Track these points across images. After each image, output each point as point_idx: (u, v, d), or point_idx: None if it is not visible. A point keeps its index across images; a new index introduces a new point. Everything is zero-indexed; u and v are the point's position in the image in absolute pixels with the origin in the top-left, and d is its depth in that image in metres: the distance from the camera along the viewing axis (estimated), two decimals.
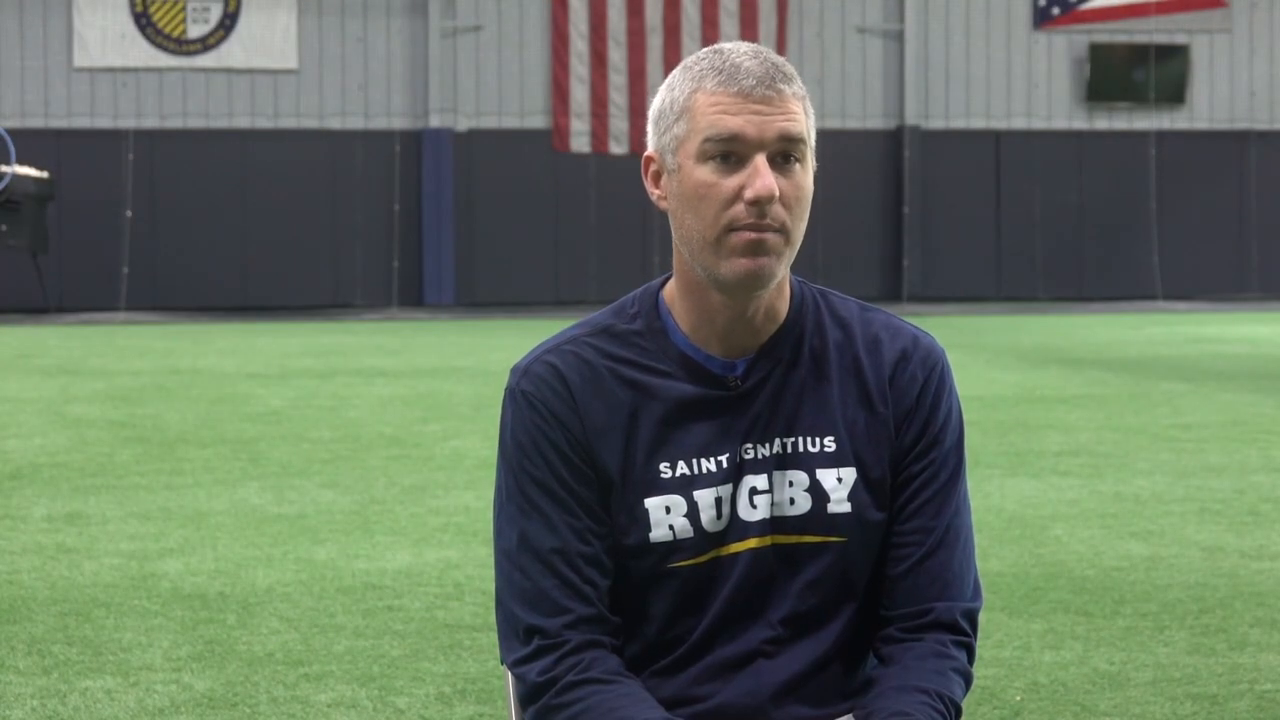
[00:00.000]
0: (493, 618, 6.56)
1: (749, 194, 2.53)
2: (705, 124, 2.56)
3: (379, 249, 28.74)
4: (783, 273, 2.61)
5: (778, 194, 2.54)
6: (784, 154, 2.56)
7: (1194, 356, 18.81)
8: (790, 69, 2.58)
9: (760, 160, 2.54)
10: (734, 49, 2.59)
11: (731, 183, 2.55)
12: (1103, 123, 30.58)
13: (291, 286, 28.51)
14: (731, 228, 2.55)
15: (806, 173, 2.59)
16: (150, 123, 28.28)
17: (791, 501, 2.65)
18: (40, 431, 12.46)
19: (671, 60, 28.52)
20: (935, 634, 2.67)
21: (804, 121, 2.58)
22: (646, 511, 2.63)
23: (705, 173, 2.57)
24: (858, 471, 2.66)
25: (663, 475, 2.63)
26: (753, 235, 2.55)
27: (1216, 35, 30.78)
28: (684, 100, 2.59)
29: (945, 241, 29.97)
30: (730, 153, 2.55)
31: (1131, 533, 8.51)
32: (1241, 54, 30.89)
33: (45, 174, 26.74)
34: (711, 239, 2.56)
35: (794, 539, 2.65)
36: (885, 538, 2.69)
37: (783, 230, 2.56)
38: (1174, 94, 30.54)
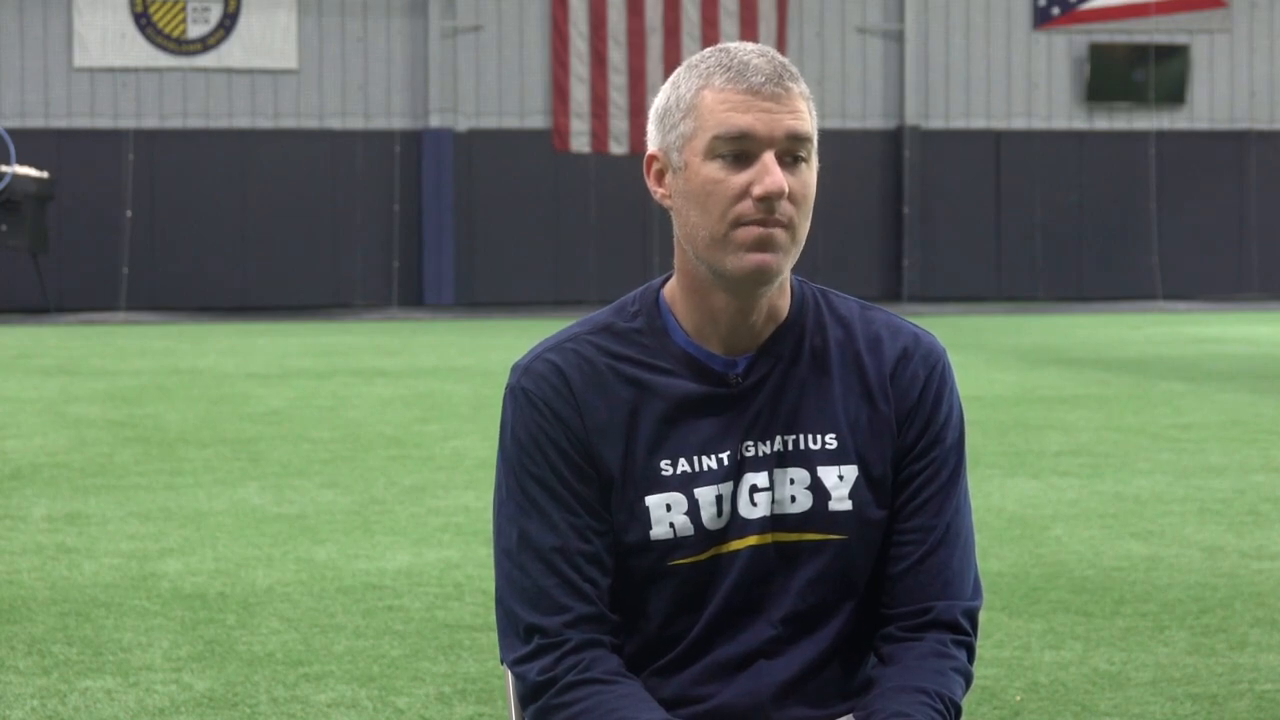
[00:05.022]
0: (492, 617, 6.56)
1: (758, 190, 2.54)
2: (714, 121, 2.56)
3: (379, 249, 28.74)
4: (788, 269, 2.62)
5: (786, 191, 2.54)
6: (791, 152, 2.56)
7: (1194, 356, 18.80)
8: (795, 68, 2.60)
9: (768, 157, 2.54)
10: (740, 48, 2.60)
11: (739, 179, 2.55)
12: (1103, 123, 30.57)
13: (291, 286, 28.50)
14: (739, 223, 2.55)
15: (811, 171, 2.60)
16: (150, 123, 28.27)
17: (792, 499, 2.65)
18: (40, 431, 12.46)
19: (671, 60, 28.52)
20: (935, 633, 2.67)
21: (809, 120, 2.59)
22: (647, 509, 2.63)
23: (713, 170, 2.57)
24: (859, 469, 2.66)
25: (663, 473, 2.63)
26: (760, 230, 2.55)
27: (1216, 35, 30.77)
28: (691, 98, 2.59)
29: (945, 241, 29.96)
30: (739, 150, 2.55)
31: (1131, 533, 8.51)
32: (1241, 54, 30.89)
33: (45, 174, 26.73)
34: (719, 236, 2.57)
35: (794, 537, 2.65)
36: (885, 536, 2.69)
37: (789, 227, 2.56)
38: (1174, 94, 30.53)
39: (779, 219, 2.55)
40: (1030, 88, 30.42)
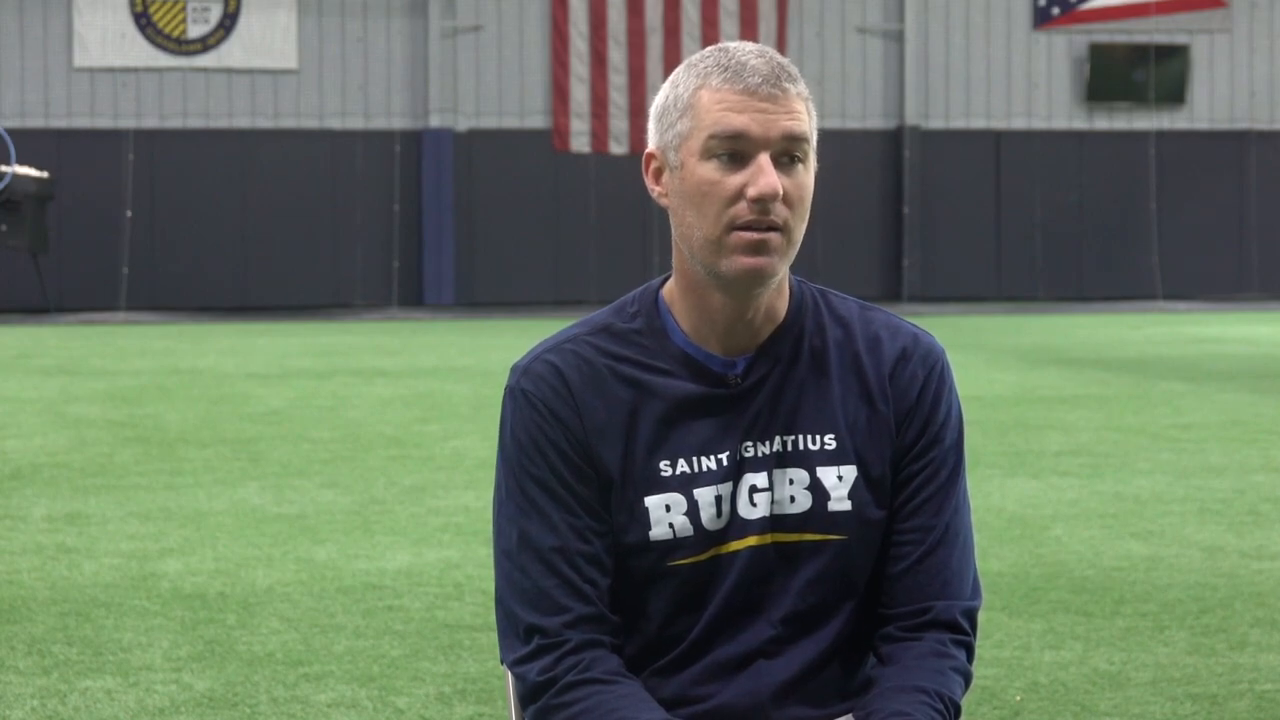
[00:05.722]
0: (493, 618, 6.55)
1: (752, 192, 2.53)
2: (710, 121, 2.56)
3: (379, 249, 28.74)
4: (783, 272, 2.62)
5: (781, 193, 2.54)
6: (787, 153, 2.56)
7: (1194, 356, 18.80)
8: (794, 69, 2.59)
9: (764, 159, 2.54)
10: (739, 48, 2.59)
11: (735, 180, 2.55)
12: (1103, 123, 30.57)
13: (291, 286, 28.50)
14: (733, 226, 2.55)
15: (808, 172, 2.59)
16: (150, 123, 28.27)
17: (791, 499, 2.65)
18: (40, 431, 12.46)
19: (671, 60, 28.51)
20: (935, 633, 2.67)
21: (807, 121, 2.58)
22: (646, 510, 2.63)
23: (709, 170, 2.56)
24: (858, 469, 2.66)
25: (663, 473, 2.63)
26: (755, 235, 2.54)
27: (1216, 35, 30.77)
28: (688, 97, 2.59)
29: (945, 241, 29.96)
30: (734, 150, 2.55)
31: (1131, 533, 8.51)
32: (1241, 54, 30.89)
33: (45, 174, 26.73)
34: (713, 237, 2.56)
35: (794, 537, 2.65)
36: (885, 536, 2.69)
37: (784, 229, 2.56)
38: (1174, 94, 30.52)
39: (773, 221, 2.55)
40: (1030, 88, 30.42)
